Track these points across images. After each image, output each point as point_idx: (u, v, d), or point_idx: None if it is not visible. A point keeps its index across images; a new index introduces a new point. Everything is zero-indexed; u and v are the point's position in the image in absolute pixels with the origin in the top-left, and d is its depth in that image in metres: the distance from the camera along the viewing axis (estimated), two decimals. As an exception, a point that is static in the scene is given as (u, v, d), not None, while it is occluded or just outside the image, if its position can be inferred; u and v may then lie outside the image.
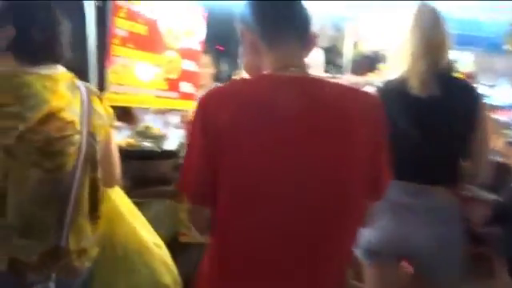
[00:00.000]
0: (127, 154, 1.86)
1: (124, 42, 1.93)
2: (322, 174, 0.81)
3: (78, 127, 1.05)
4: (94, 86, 1.23)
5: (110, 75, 1.89)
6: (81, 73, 2.39)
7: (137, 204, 1.50)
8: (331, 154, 0.82)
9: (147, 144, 2.18)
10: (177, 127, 2.52)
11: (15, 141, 0.93)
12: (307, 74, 0.89)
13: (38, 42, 1.03)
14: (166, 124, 2.53)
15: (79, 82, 1.13)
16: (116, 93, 1.93)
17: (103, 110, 1.19)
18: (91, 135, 1.10)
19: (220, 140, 0.80)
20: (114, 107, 1.29)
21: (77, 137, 1.05)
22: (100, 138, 1.15)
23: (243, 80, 1.02)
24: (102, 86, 1.86)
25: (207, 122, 0.82)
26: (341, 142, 0.82)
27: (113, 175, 1.30)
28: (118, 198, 1.41)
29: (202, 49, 2.48)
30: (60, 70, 1.09)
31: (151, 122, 2.50)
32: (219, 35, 2.98)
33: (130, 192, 1.51)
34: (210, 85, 2.73)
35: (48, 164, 1.00)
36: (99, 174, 1.17)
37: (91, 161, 1.12)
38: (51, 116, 0.98)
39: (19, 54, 1.03)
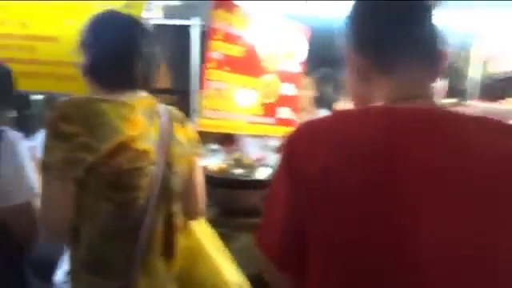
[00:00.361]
0: (216, 181, 1.78)
1: (220, 65, 1.89)
2: (465, 256, 0.54)
3: (153, 157, 0.97)
4: (178, 111, 1.14)
5: (204, 100, 1.85)
6: (183, 97, 2.46)
7: (222, 236, 1.39)
8: (482, 227, 0.54)
9: (238, 171, 2.08)
10: (275, 151, 2.40)
11: (85, 173, 0.88)
12: (438, 106, 0.64)
13: (114, 66, 0.99)
14: (265, 147, 2.42)
15: (161, 107, 1.06)
16: (210, 118, 1.88)
17: (186, 137, 1.10)
18: (168, 166, 1.01)
19: (311, 194, 0.59)
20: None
21: (151, 168, 0.96)
22: (179, 168, 1.06)
23: (346, 113, 0.75)
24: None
25: (294, 169, 0.62)
26: (500, 207, 0.55)
27: (196, 207, 1.19)
28: (201, 231, 1.30)
29: (303, 70, 2.33)
30: (139, 96, 1.02)
31: (248, 147, 2.43)
32: (323, 54, 2.82)
33: (215, 222, 1.40)
34: (310, 110, 2.56)
35: (119, 198, 0.92)
36: (176, 208, 1.07)
37: (167, 194, 1.02)
38: (123, 146, 0.89)
39: (96, 80, 0.99)
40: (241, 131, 2.09)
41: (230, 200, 1.88)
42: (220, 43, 1.86)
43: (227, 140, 2.38)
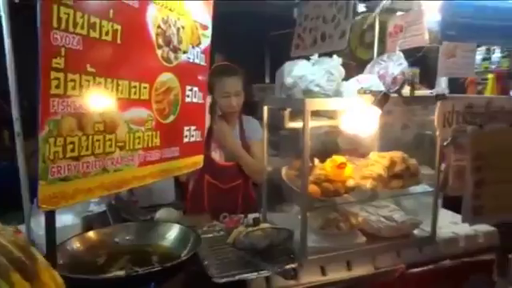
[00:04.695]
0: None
1: (76, 62, 0.86)
2: None
3: None
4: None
5: (45, 144, 0.80)
6: None
7: None
8: None
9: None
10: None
11: None
12: None
13: None
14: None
15: None
16: (65, 181, 0.85)
17: None
18: None
19: None
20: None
21: None
22: None
23: None
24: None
25: None
26: None
27: None
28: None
29: (208, 62, 1.45)
30: None
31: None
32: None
33: None
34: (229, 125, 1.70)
35: None
36: None
37: None
38: None
39: None
40: (128, 186, 1.09)
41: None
42: (70, 11, 0.83)
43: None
